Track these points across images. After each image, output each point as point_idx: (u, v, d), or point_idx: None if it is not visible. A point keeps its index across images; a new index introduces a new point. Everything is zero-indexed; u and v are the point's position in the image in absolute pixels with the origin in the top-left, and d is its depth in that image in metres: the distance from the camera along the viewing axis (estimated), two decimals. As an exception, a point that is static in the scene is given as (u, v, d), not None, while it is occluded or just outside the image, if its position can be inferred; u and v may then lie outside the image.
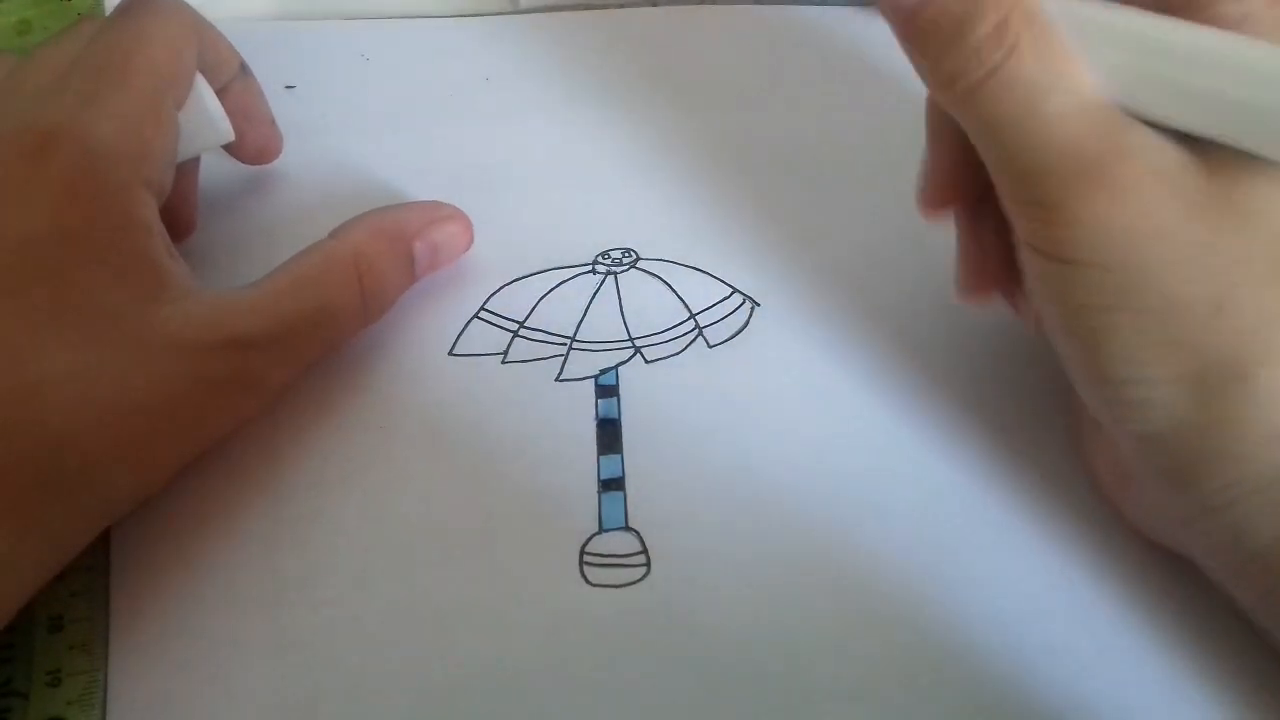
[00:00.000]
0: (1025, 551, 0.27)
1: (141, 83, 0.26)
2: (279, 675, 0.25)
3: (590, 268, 0.32)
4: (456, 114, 0.35)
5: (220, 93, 0.29)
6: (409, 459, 0.28)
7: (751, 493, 0.28)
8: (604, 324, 0.31)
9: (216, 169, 0.32)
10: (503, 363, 0.30)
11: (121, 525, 0.27)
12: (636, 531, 0.27)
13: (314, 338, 0.28)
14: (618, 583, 0.27)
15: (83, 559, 0.26)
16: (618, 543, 0.27)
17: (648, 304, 0.31)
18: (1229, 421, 0.22)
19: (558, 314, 0.31)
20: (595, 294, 0.31)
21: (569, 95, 0.36)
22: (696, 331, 0.31)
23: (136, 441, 0.24)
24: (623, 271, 0.32)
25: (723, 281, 0.32)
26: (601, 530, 0.27)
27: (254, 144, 0.32)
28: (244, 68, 0.31)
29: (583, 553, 0.27)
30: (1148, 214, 0.22)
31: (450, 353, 0.30)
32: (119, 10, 0.28)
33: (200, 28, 0.29)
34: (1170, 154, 0.22)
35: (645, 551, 0.27)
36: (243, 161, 0.32)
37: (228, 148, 0.31)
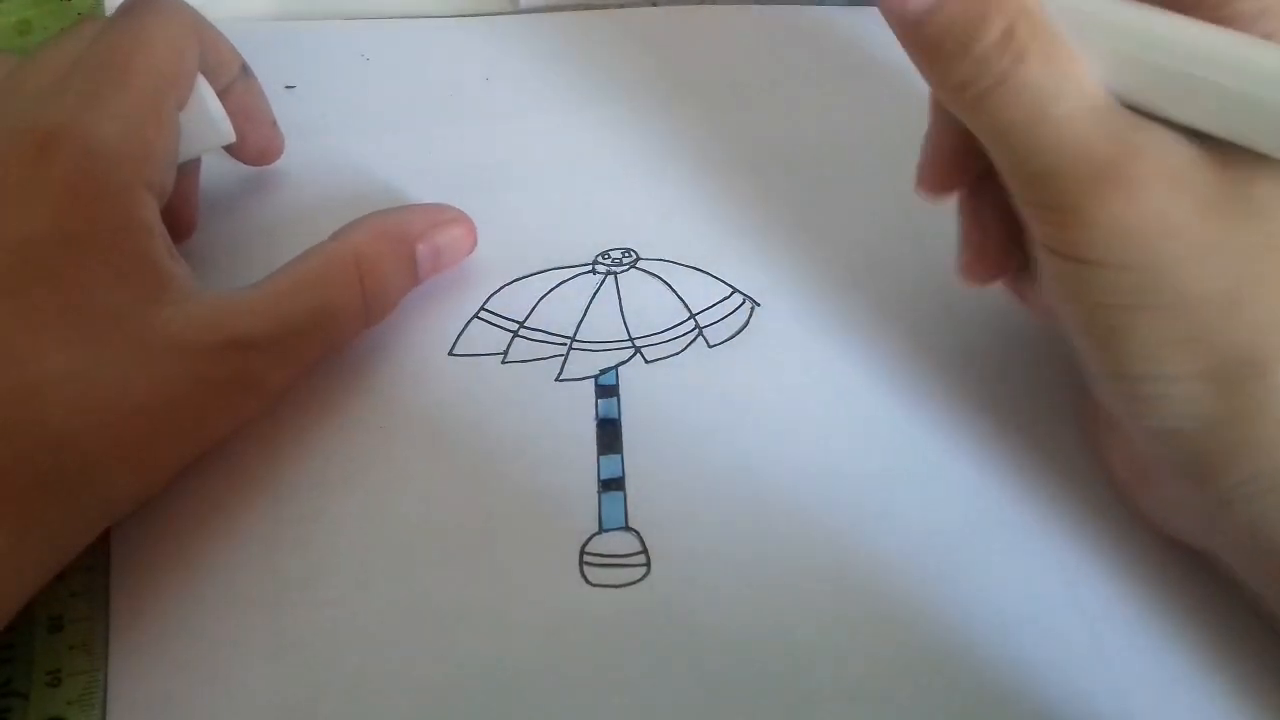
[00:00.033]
0: (1026, 551, 0.27)
1: (143, 84, 0.26)
2: (279, 675, 0.25)
3: (590, 268, 0.32)
4: (456, 114, 0.35)
5: (222, 94, 0.29)
6: (409, 459, 0.28)
7: (751, 493, 0.28)
8: (604, 324, 0.31)
9: (217, 169, 0.32)
10: (503, 363, 0.30)
11: (121, 525, 0.27)
12: (636, 531, 0.27)
13: (315, 339, 0.28)
14: (618, 583, 0.27)
15: (83, 559, 0.26)
16: (618, 543, 0.27)
17: (648, 304, 0.31)
18: (1247, 416, 0.22)
19: (558, 314, 0.31)
20: (595, 294, 0.31)
21: (569, 95, 0.36)
22: (696, 331, 0.31)
23: (137, 442, 0.25)
24: (623, 271, 0.32)
25: (723, 281, 0.32)
26: (601, 530, 0.27)
27: (255, 145, 0.32)
28: (245, 69, 0.31)
29: (583, 553, 0.27)
30: (1161, 212, 0.22)
31: (450, 353, 0.30)
32: (120, 11, 0.28)
33: (202, 29, 0.29)
34: (1181, 151, 0.22)
35: (645, 551, 0.27)
36: (244, 163, 0.32)
37: (229, 149, 0.31)
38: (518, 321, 0.31)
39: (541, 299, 0.31)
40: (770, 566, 0.27)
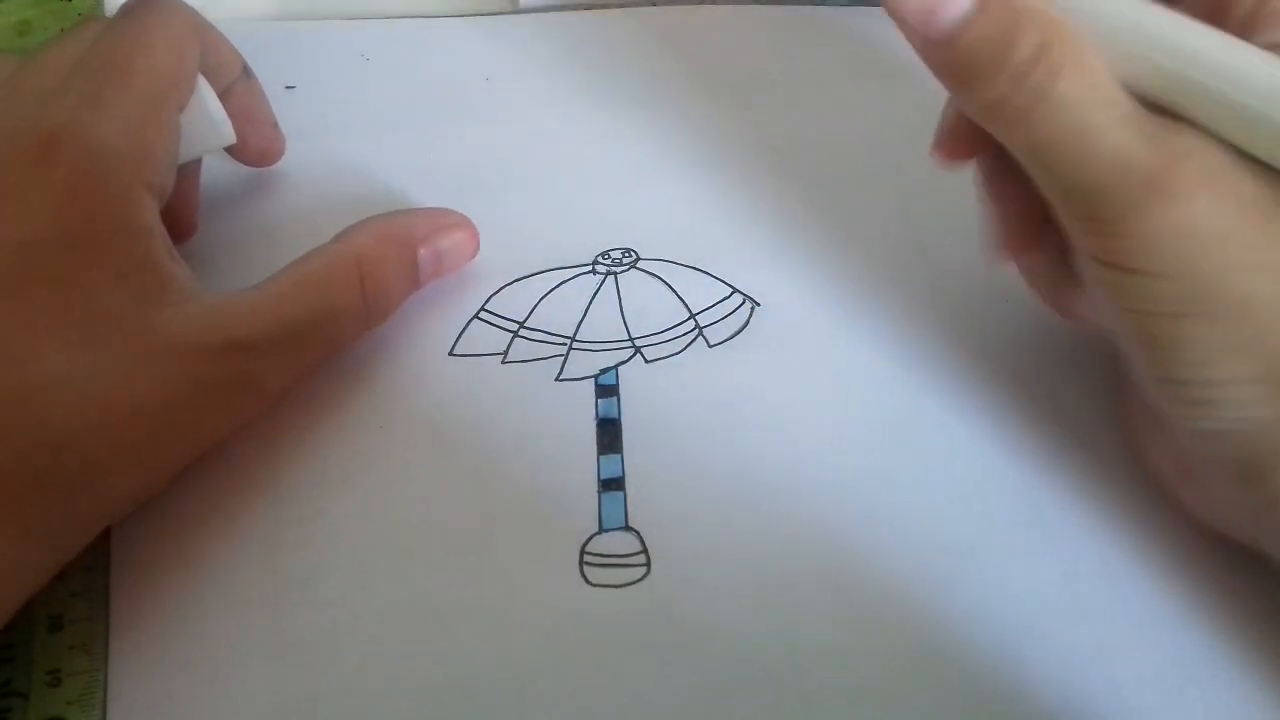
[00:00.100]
0: (1026, 551, 0.27)
1: (143, 85, 0.26)
2: (279, 675, 0.25)
3: (590, 268, 0.32)
4: (456, 114, 0.35)
5: (222, 95, 0.29)
6: (409, 459, 0.28)
7: (751, 493, 0.28)
8: (604, 324, 0.31)
9: (217, 170, 0.32)
10: (503, 363, 0.30)
11: (121, 525, 0.27)
12: (636, 531, 0.27)
13: (315, 341, 0.28)
14: (618, 583, 0.27)
15: (83, 559, 0.26)
16: (618, 543, 0.27)
17: (648, 304, 0.31)
18: None
19: (558, 314, 0.31)
20: (595, 294, 0.31)
21: (569, 95, 0.36)
22: (696, 331, 0.31)
23: (137, 443, 0.25)
24: (623, 271, 0.32)
25: (723, 281, 0.32)
26: (601, 530, 0.27)
27: (256, 147, 0.32)
28: (246, 70, 0.31)
29: (583, 553, 0.27)
30: (1206, 219, 0.21)
31: (450, 353, 0.30)
32: (121, 12, 0.28)
33: (203, 30, 0.29)
34: (1219, 154, 0.22)
35: (645, 551, 0.27)
36: (245, 164, 0.32)
37: (230, 150, 0.31)
38: (518, 321, 0.31)
39: (542, 299, 0.31)
40: (770, 566, 0.27)
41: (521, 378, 0.30)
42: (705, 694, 0.25)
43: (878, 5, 0.23)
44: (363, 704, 0.25)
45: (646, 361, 0.30)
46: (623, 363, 0.30)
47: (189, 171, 0.30)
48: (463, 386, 0.30)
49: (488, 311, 0.31)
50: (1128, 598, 0.27)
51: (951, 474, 0.28)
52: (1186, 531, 0.27)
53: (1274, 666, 0.26)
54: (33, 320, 0.24)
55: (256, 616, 0.26)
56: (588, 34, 0.37)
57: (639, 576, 0.27)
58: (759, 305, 0.31)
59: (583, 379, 0.30)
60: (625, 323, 0.31)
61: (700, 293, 0.32)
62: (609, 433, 0.29)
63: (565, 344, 0.30)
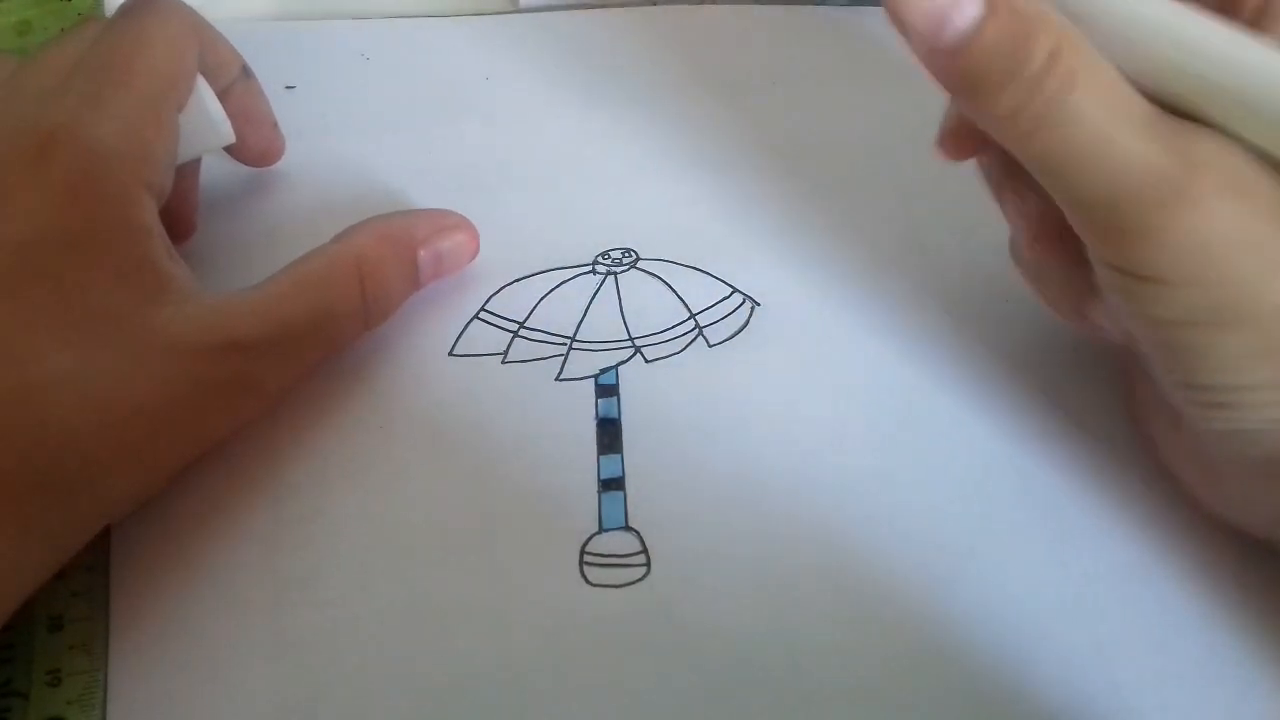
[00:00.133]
0: (1026, 551, 0.27)
1: (143, 85, 0.26)
2: (279, 675, 0.25)
3: (590, 268, 0.32)
4: (456, 114, 0.35)
5: (222, 95, 0.29)
6: (409, 459, 0.28)
7: (751, 492, 0.28)
8: (604, 324, 0.31)
9: (217, 170, 0.32)
10: (503, 363, 0.30)
11: (121, 525, 0.27)
12: (636, 531, 0.27)
13: (314, 341, 0.28)
14: (618, 583, 0.27)
15: (83, 559, 0.26)
16: (618, 543, 0.27)
17: (648, 304, 0.31)
18: None
19: (558, 314, 0.31)
20: (595, 294, 0.31)
21: (569, 94, 0.36)
22: (696, 331, 0.31)
23: (136, 443, 0.25)
24: (623, 271, 0.32)
25: (723, 281, 0.32)
26: (601, 530, 0.27)
27: (256, 147, 0.32)
28: (246, 70, 0.31)
29: (583, 553, 0.27)
30: (1228, 225, 0.21)
31: (450, 353, 0.30)
32: (121, 12, 0.28)
33: (202, 30, 0.29)
34: (1238, 157, 0.21)
35: (645, 551, 0.27)
36: (245, 164, 0.32)
37: (230, 150, 0.31)
38: (518, 321, 0.31)
39: (542, 299, 0.31)
40: (770, 566, 0.27)
41: (521, 378, 0.30)
42: (705, 694, 0.25)
43: (878, 5, 0.23)
44: (363, 704, 0.25)
45: (646, 361, 0.30)
46: (623, 363, 0.30)
47: (188, 171, 0.30)
48: (463, 386, 0.30)
49: (488, 311, 0.31)
50: (1128, 598, 0.27)
51: (951, 474, 0.28)
52: (1187, 532, 0.27)
53: (1276, 665, 0.26)
54: (32, 320, 0.24)
55: (256, 616, 0.26)
56: (588, 34, 0.37)
57: (639, 576, 0.27)
58: (759, 305, 0.31)
59: (583, 379, 0.30)
60: (625, 323, 0.31)
61: (700, 292, 0.31)
62: (609, 433, 0.29)
63: (565, 344, 0.30)
